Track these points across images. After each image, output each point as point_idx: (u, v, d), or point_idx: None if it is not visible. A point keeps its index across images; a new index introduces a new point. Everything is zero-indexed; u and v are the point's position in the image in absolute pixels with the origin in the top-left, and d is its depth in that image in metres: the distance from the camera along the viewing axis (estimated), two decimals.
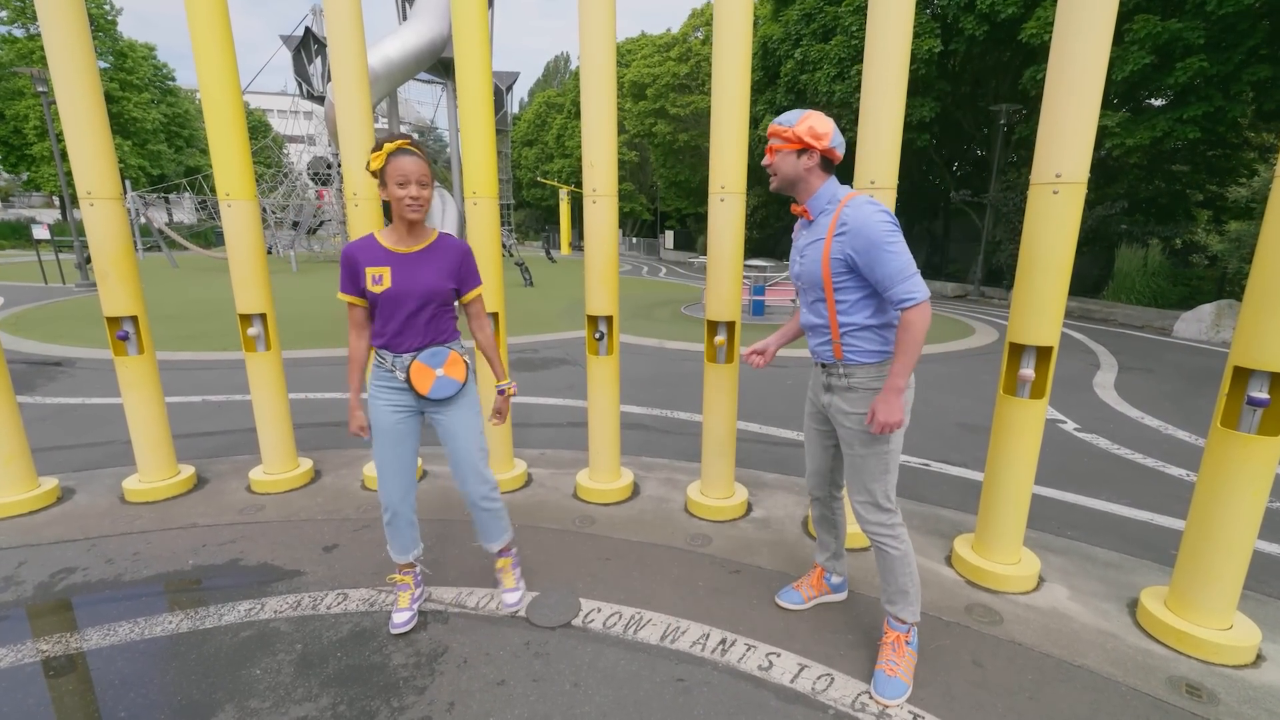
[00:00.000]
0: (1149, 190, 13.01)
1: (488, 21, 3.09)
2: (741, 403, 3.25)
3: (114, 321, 3.16)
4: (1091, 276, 13.72)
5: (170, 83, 35.61)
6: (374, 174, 2.03)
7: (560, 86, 47.56)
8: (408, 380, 2.14)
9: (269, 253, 24.40)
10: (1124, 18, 10.01)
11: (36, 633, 2.28)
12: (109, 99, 32.31)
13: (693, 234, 33.89)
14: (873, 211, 1.82)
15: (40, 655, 2.15)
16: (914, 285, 1.77)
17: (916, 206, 18.85)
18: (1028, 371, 2.39)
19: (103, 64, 33.22)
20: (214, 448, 4.24)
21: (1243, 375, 2.04)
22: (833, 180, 1.98)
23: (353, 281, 2.09)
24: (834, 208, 1.93)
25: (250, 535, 3.00)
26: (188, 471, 3.53)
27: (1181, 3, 9.59)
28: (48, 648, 2.19)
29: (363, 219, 3.18)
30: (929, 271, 18.10)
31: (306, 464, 3.65)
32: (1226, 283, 10.33)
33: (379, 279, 2.06)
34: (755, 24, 22.75)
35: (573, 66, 54.94)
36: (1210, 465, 2.15)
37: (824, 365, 2.07)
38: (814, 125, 1.89)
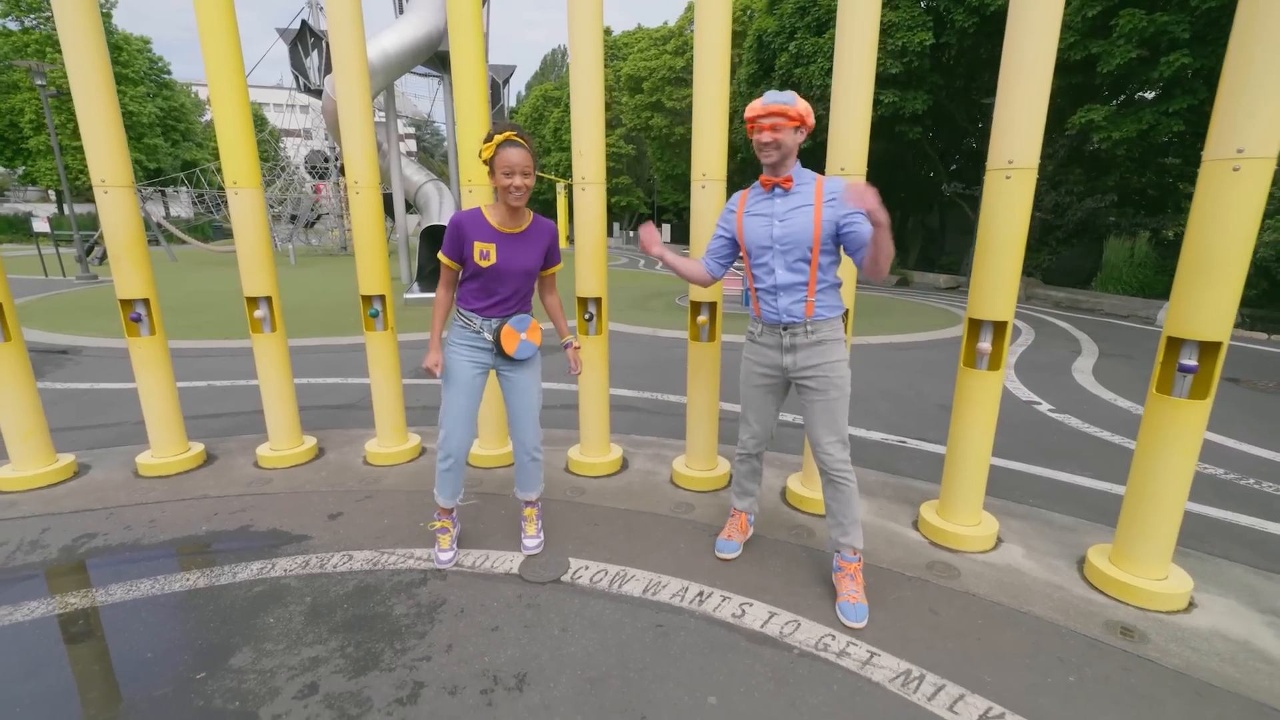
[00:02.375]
0: (1140, 183, 13.17)
1: (482, 17, 3.24)
2: (727, 389, 3.42)
3: (127, 304, 3.32)
4: (1085, 269, 13.90)
5: (166, 76, 35.48)
6: (485, 163, 2.26)
7: (557, 80, 47.52)
8: (496, 342, 2.41)
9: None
10: (1110, 12, 10.16)
11: (65, 588, 2.45)
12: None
13: (689, 227, 33.96)
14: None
15: (69, 607, 2.33)
16: None
17: (911, 199, 18.98)
18: (985, 345, 2.57)
19: None
20: (221, 428, 4.41)
21: (1175, 345, 2.22)
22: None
23: (455, 248, 2.33)
24: (813, 179, 2.20)
25: (259, 505, 3.18)
26: (197, 448, 3.70)
27: None
28: (76, 601, 2.37)
29: (364, 206, 3.34)
30: (923, 264, 18.27)
31: (311, 441, 3.82)
32: None
33: (486, 254, 2.31)
34: (750, 17, 22.84)
35: (569, 60, 54.84)
36: (1147, 429, 2.34)
37: (785, 326, 2.28)
38: (806, 105, 2.16)
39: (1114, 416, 4.91)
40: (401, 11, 13.32)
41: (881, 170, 17.68)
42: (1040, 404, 5.20)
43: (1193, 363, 2.17)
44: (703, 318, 3.15)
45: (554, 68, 58.31)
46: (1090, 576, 2.50)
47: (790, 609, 2.32)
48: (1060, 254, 13.22)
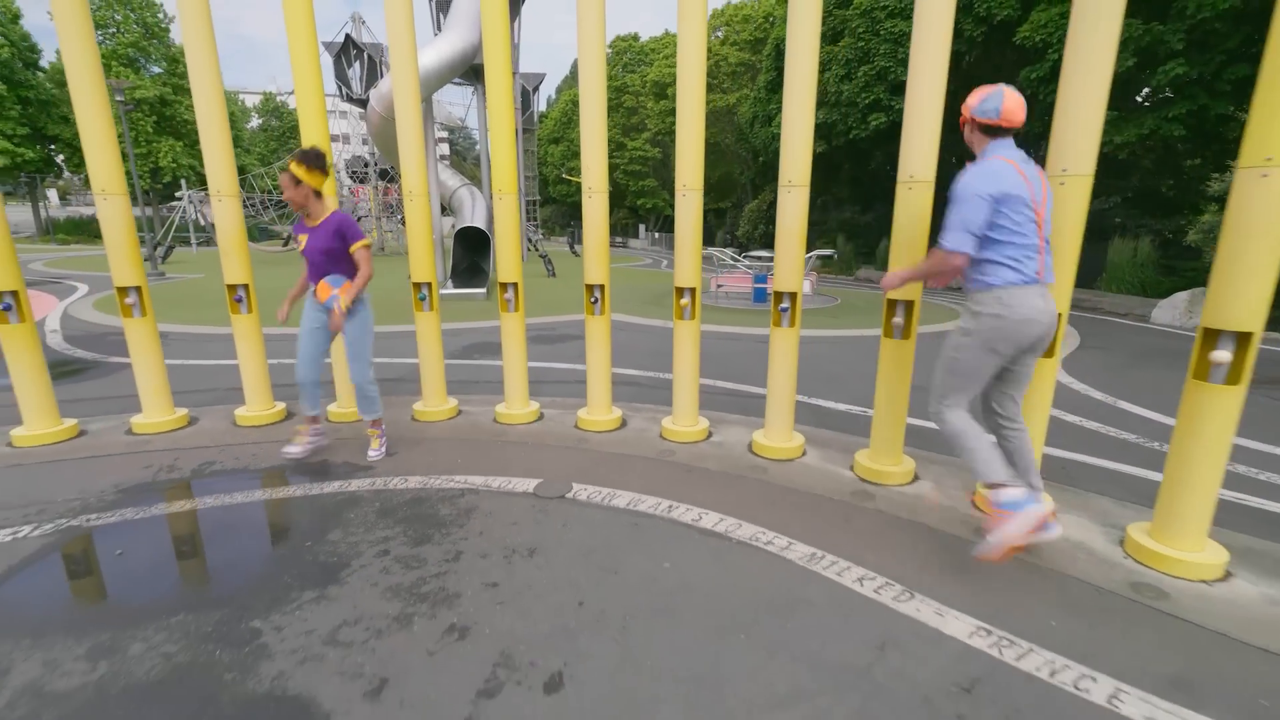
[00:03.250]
0: (1155, 184, 13.43)
1: (511, 39, 4.04)
2: (706, 365, 4.15)
3: (232, 288, 4.21)
4: (1090, 269, 14.18)
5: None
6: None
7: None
8: (314, 292, 3.63)
9: None
10: None
11: (201, 493, 3.33)
12: (163, 103, 34.44)
13: (713, 228, 34.62)
14: (966, 172, 2.38)
15: (205, 505, 3.20)
16: (947, 235, 2.41)
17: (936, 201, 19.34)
18: (1222, 354, 2.40)
19: (156, 69, 35.31)
20: (292, 393, 5.31)
21: (1211, 335, 2.42)
22: (991, 144, 2.44)
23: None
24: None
25: (333, 446, 4.03)
26: (280, 406, 4.59)
27: (1166, 7, 10.12)
28: (211, 500, 3.24)
29: (417, 211, 4.19)
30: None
31: None
32: (1206, 272, 10.83)
33: (299, 242, 3.59)
34: (771, 24, 23.39)
35: (579, 87, 55.78)
36: (1185, 413, 2.53)
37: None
38: (968, 99, 2.37)
39: (1063, 396, 5.51)
40: (439, 30, 14.34)
41: (892, 176, 18.12)
42: None
43: (1226, 356, 2.36)
44: (685, 300, 3.90)
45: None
46: (1130, 550, 2.71)
47: (736, 516, 3.06)
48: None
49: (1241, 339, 2.36)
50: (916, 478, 3.49)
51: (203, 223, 25.71)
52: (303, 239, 3.58)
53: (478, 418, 4.56)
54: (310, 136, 4.06)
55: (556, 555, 2.72)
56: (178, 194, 31.88)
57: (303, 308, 3.76)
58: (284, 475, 3.61)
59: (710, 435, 4.17)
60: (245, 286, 4.24)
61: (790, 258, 3.58)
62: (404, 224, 26.43)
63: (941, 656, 2.10)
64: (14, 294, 3.81)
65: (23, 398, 3.94)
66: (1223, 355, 2.38)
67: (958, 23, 13.09)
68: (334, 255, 3.56)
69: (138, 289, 4.15)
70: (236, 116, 40.02)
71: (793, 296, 3.61)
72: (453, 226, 15.94)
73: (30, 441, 3.94)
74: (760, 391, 5.48)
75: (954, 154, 9.48)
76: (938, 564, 2.66)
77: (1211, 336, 2.42)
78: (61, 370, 6.29)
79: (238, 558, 2.74)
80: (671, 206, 38.59)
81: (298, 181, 3.43)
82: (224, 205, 4.08)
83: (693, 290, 3.90)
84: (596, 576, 2.56)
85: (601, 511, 3.13)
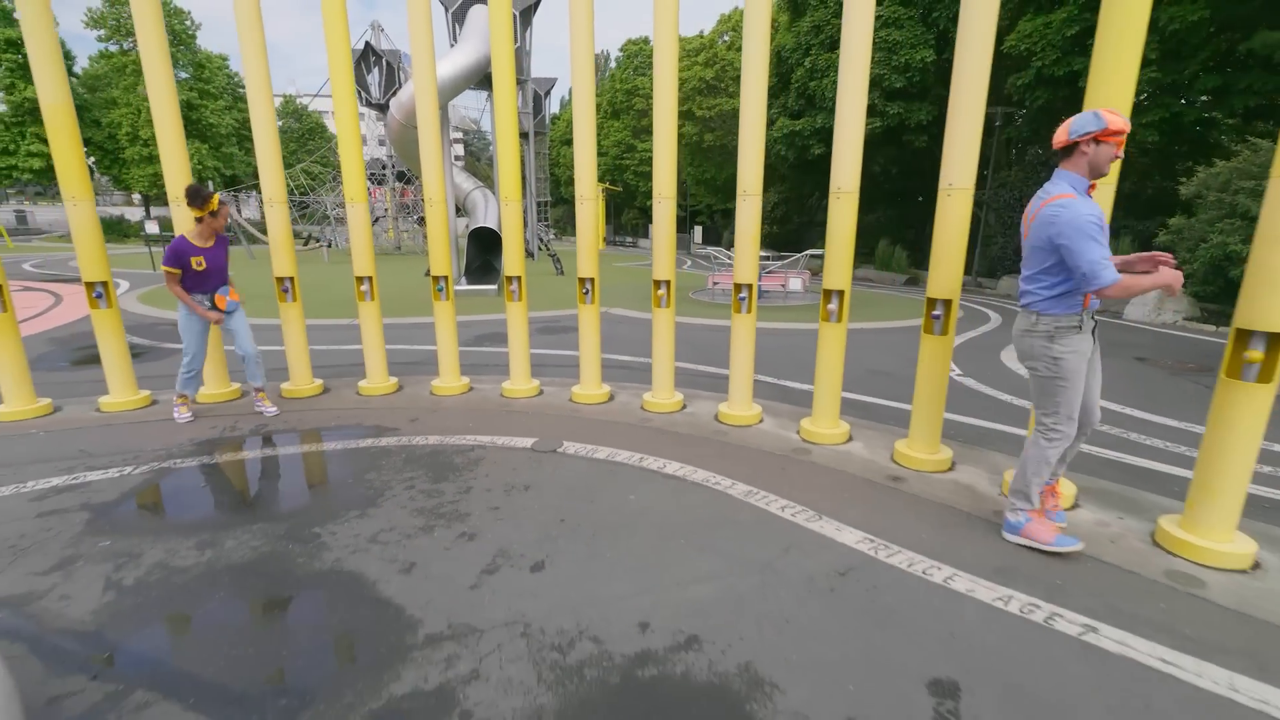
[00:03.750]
0: (1143, 186, 13.89)
1: (523, 46, 4.75)
2: (702, 353, 4.84)
3: (280, 280, 4.98)
4: None
5: (241, 90, 38.78)
6: (210, 212, 4.22)
7: (599, 86, 49.29)
8: (214, 305, 4.44)
9: (329, 246, 27.00)
10: (1089, 31, 11.10)
11: (261, 446, 4.09)
12: (189, 107, 35.63)
13: (720, 228, 35.24)
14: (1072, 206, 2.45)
15: (265, 454, 3.96)
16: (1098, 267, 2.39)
17: (917, 205, 19.88)
18: (1254, 352, 2.48)
19: (183, 74, 36.51)
20: (323, 373, 6.09)
21: (1244, 335, 2.52)
22: (1059, 171, 2.58)
23: (178, 260, 4.24)
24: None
25: (364, 415, 4.78)
26: (318, 382, 5.34)
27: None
28: (271, 450, 4.00)
29: (436, 215, 4.92)
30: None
31: (394, 380, 5.42)
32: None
33: (200, 262, 4.30)
34: (776, 30, 23.95)
35: (612, 64, 56.46)
36: (1217, 409, 2.63)
37: (1095, 314, 2.68)
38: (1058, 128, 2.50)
39: (1006, 380, 6.15)
40: (455, 42, 15.14)
41: (894, 179, 18.65)
42: (955, 370, 6.45)
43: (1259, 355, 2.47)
44: (661, 291, 4.60)
45: (596, 72, 60.23)
46: (1161, 541, 2.83)
47: (694, 465, 3.76)
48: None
49: (1273, 339, 2.45)
50: (850, 439, 4.17)
51: (231, 222, 26.81)
52: (200, 260, 4.30)
53: (486, 393, 5.29)
54: (345, 140, 4.82)
55: (545, 490, 3.44)
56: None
57: (190, 316, 4.44)
58: (324, 434, 4.36)
59: (684, 407, 4.87)
60: (291, 279, 5.00)
61: (747, 256, 4.27)
62: (419, 224, 27.19)
63: (830, 555, 2.79)
64: (104, 284, 4.59)
65: (109, 371, 4.72)
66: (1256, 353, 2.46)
67: (947, 32, 13.68)
68: (225, 270, 4.50)
69: (290, 279, 5.12)
70: None
71: (750, 288, 4.29)
72: (467, 227, 16.73)
73: (115, 407, 4.72)
74: (717, 370, 6.17)
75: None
76: (848, 499, 3.34)
77: (1244, 336, 2.52)
78: None
79: (297, 489, 3.49)
80: (681, 207, 39.27)
81: (199, 219, 4.28)
82: (274, 210, 4.83)
83: (668, 283, 4.59)
84: (575, 504, 3.27)
85: (585, 462, 3.84)
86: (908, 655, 2.15)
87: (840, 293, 3.98)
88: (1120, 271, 2.48)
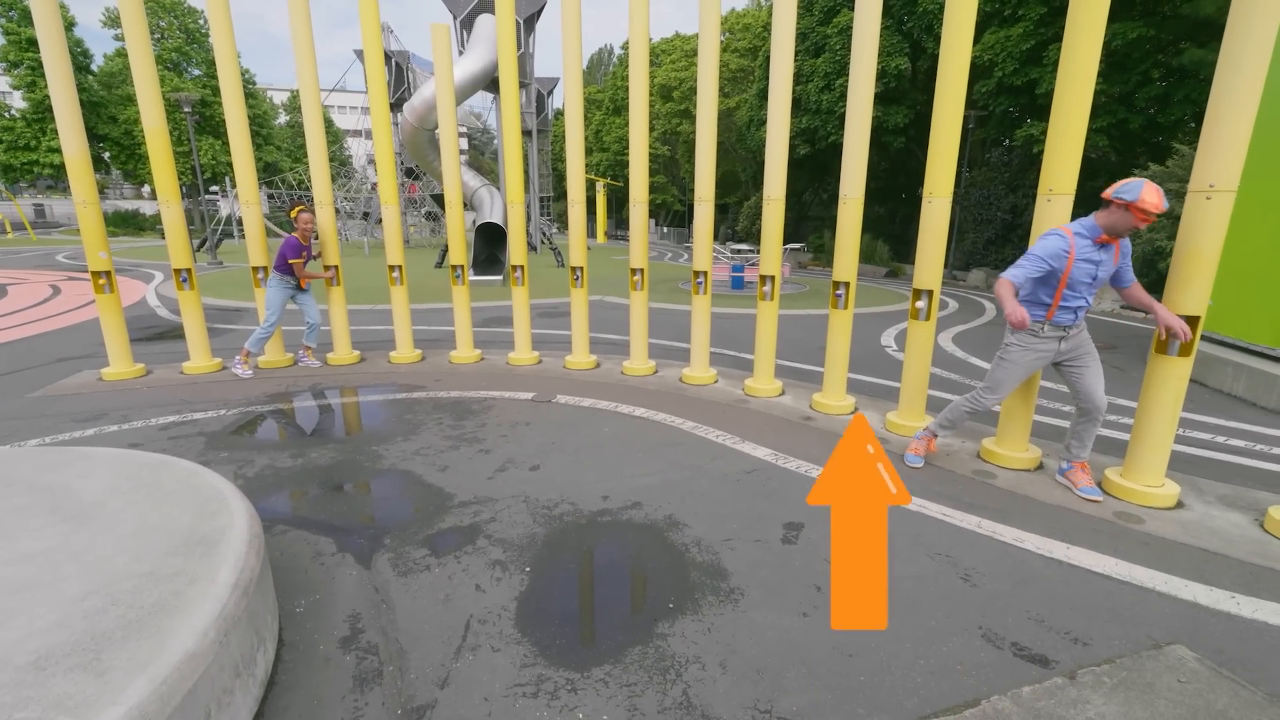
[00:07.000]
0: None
1: (526, 50, 5.82)
2: (685, 334, 5.91)
3: (327, 268, 6.09)
4: None
5: (251, 85, 39.83)
6: (293, 217, 5.34)
7: (602, 82, 50.17)
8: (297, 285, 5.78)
9: (345, 241, 28.12)
10: (1044, 45, 12.11)
11: (320, 397, 5.22)
12: (203, 104, 36.72)
13: (716, 223, 36.22)
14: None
15: (325, 403, 5.09)
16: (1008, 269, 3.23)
17: (899, 202, 20.88)
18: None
19: (196, 71, 37.62)
20: (366, 348, 7.21)
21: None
22: (1092, 214, 3.15)
23: (295, 251, 5.49)
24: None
25: (396, 377, 5.90)
26: (356, 353, 6.46)
27: None
28: (328, 400, 5.13)
29: (454, 216, 6.03)
30: (910, 258, 20.17)
31: (418, 352, 6.54)
32: None
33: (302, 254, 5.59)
34: (768, 33, 24.80)
35: (615, 60, 57.13)
36: (1149, 379, 3.29)
37: (1068, 327, 3.31)
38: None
39: (938, 356, 7.24)
40: (463, 50, 16.18)
41: (878, 177, 19.65)
42: (890, 347, 7.55)
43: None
44: (636, 276, 5.69)
45: (600, 67, 61.08)
46: (1109, 488, 3.45)
47: (657, 410, 4.87)
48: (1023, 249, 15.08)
49: (1191, 320, 3.10)
50: (783, 393, 5.27)
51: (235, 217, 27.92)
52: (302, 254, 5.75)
53: (495, 362, 6.41)
54: (379, 136, 5.92)
55: (541, 424, 4.56)
56: (212, 189, 34.34)
57: (277, 288, 5.81)
58: (367, 390, 5.48)
59: (656, 373, 5.98)
60: (336, 267, 6.11)
61: (703, 249, 5.36)
62: (427, 219, 28.11)
63: (743, 462, 3.91)
64: (188, 271, 5.71)
65: (191, 342, 5.86)
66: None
67: (920, 42, 14.68)
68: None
69: (335, 267, 6.03)
70: (266, 113, 42.31)
71: (705, 274, 5.39)
72: (474, 222, 17.82)
73: (196, 370, 5.86)
74: (716, 351, 7.27)
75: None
76: (769, 431, 4.45)
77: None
78: (177, 332, 8.25)
79: (354, 424, 4.62)
80: (680, 203, 40.26)
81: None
82: (324, 211, 5.94)
83: (642, 270, 5.69)
84: (564, 433, 4.39)
85: (572, 408, 4.96)
86: (776, 511, 3.27)
87: (846, 284, 4.72)
88: (1146, 312, 3.20)
